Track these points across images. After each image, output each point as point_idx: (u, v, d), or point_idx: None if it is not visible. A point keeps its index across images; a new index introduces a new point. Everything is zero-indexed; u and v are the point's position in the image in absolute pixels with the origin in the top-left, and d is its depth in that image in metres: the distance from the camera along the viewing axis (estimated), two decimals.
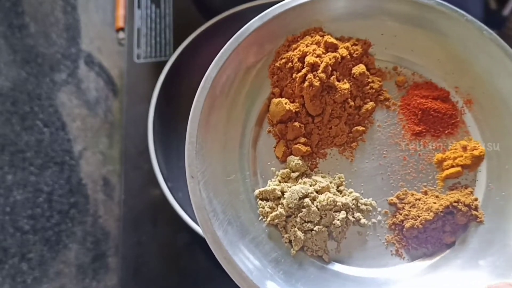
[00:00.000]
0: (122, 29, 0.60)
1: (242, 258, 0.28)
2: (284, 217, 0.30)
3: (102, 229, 0.51)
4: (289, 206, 0.29)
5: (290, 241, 0.30)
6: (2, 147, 0.38)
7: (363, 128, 0.33)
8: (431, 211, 0.30)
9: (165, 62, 0.52)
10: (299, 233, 0.29)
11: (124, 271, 0.49)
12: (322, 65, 0.31)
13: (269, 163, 0.32)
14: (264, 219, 0.30)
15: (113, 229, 0.53)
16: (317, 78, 0.31)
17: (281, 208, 0.30)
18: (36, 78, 0.43)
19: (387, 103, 0.34)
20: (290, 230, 0.30)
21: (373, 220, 0.31)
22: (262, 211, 0.30)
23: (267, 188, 0.31)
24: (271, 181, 0.32)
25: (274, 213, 0.30)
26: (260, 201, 0.31)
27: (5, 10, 0.40)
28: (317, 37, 0.32)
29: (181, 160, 0.52)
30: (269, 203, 0.30)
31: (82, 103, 0.51)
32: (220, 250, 0.27)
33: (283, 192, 0.30)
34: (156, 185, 0.47)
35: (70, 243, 0.45)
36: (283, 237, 0.30)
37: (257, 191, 0.31)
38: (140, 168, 0.52)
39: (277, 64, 0.33)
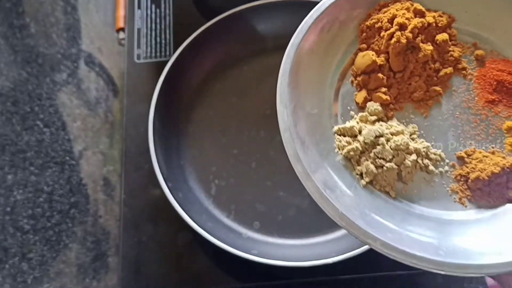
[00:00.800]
0: (122, 29, 0.61)
1: (318, 179, 0.31)
2: (359, 152, 0.33)
3: (103, 229, 0.51)
4: (365, 142, 0.32)
5: (361, 174, 0.33)
6: (3, 147, 0.38)
7: (440, 89, 0.35)
8: (498, 165, 0.32)
9: (165, 62, 0.52)
10: (371, 166, 0.32)
11: (124, 271, 0.49)
12: (410, 26, 0.34)
13: (348, 107, 0.35)
14: (340, 152, 0.33)
15: (113, 229, 0.53)
16: (404, 36, 0.34)
17: (357, 143, 0.33)
18: (36, 78, 0.43)
19: (464, 72, 0.36)
20: (363, 164, 0.32)
21: (440, 169, 0.33)
22: (339, 145, 0.33)
23: (346, 125, 0.34)
24: (349, 121, 0.35)
25: (350, 147, 0.33)
26: (337, 136, 0.34)
27: (5, 10, 0.40)
28: (407, 4, 0.36)
29: (181, 159, 0.52)
30: (346, 138, 0.33)
31: (83, 103, 0.51)
32: (301, 167, 0.31)
33: (360, 131, 0.33)
34: (156, 185, 0.47)
35: (71, 243, 0.45)
36: (355, 169, 0.33)
37: (336, 127, 0.34)
38: (140, 168, 0.52)
39: (367, 23, 0.36)
